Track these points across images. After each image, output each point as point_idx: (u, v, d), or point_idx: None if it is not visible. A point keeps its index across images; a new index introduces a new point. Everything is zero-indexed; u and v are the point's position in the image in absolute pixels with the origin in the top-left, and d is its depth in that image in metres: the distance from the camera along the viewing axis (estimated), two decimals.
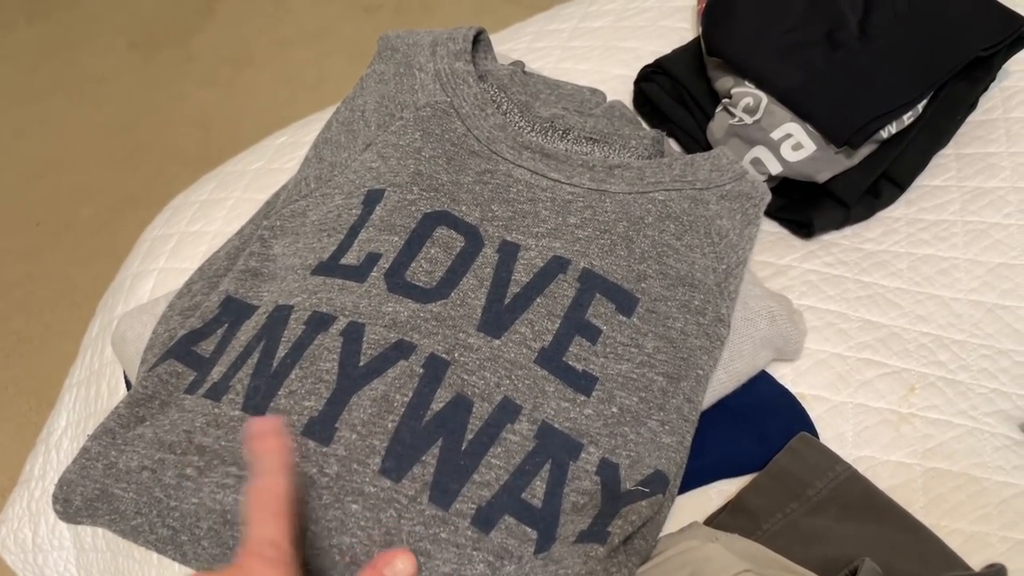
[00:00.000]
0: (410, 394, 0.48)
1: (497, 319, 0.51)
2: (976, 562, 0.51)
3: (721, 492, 0.56)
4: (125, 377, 0.65)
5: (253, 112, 1.82)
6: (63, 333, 1.49)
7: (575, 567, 0.43)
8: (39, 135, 1.83)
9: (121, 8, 2.07)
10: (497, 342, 0.50)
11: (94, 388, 0.72)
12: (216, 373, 0.51)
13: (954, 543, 0.52)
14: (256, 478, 0.42)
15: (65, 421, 0.76)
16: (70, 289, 1.56)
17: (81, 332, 0.94)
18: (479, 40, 0.66)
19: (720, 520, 0.53)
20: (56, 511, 0.49)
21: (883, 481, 0.55)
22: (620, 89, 0.78)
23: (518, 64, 0.69)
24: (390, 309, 0.50)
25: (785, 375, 0.60)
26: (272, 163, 0.78)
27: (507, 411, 0.48)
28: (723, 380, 0.56)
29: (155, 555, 0.60)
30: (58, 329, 1.50)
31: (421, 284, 0.52)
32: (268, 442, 0.43)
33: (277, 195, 0.65)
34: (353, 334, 0.49)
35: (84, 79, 1.93)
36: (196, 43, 1.98)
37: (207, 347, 0.53)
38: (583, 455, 0.49)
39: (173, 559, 0.48)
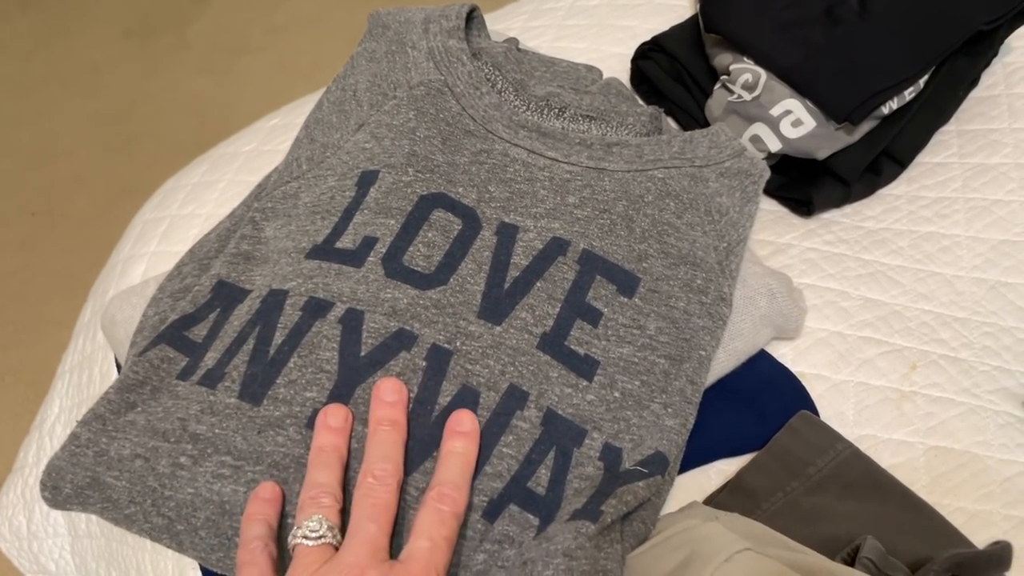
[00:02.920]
0: (416, 389, 0.47)
1: (497, 305, 0.50)
2: (980, 540, 0.50)
3: (720, 472, 0.55)
4: (116, 361, 0.65)
5: (249, 100, 1.81)
6: (59, 322, 1.48)
7: (565, 542, 0.42)
8: (34, 125, 1.82)
9: None
10: (498, 328, 0.50)
11: (86, 374, 0.71)
12: (210, 359, 0.50)
13: (957, 522, 0.51)
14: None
15: (58, 408, 0.76)
16: (66, 278, 1.55)
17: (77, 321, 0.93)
18: (472, 17, 0.65)
19: (719, 500, 0.53)
20: (44, 498, 0.48)
21: (885, 460, 0.54)
22: (617, 68, 0.77)
23: (512, 42, 0.68)
24: (389, 295, 0.49)
25: (785, 354, 0.59)
26: (265, 145, 0.77)
27: (515, 398, 0.48)
28: (723, 359, 0.56)
29: (149, 541, 0.60)
30: (54, 318, 1.49)
31: (419, 269, 0.51)
32: (328, 438, 0.45)
33: (268, 177, 0.64)
34: (352, 322, 0.48)
35: (79, 68, 1.92)
36: (191, 31, 1.97)
37: (199, 332, 0.52)
38: (587, 441, 0.48)
39: (169, 547, 0.47)
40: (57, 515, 0.74)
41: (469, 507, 0.45)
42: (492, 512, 0.45)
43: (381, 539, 0.42)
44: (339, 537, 0.42)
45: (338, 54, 1.85)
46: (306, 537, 0.41)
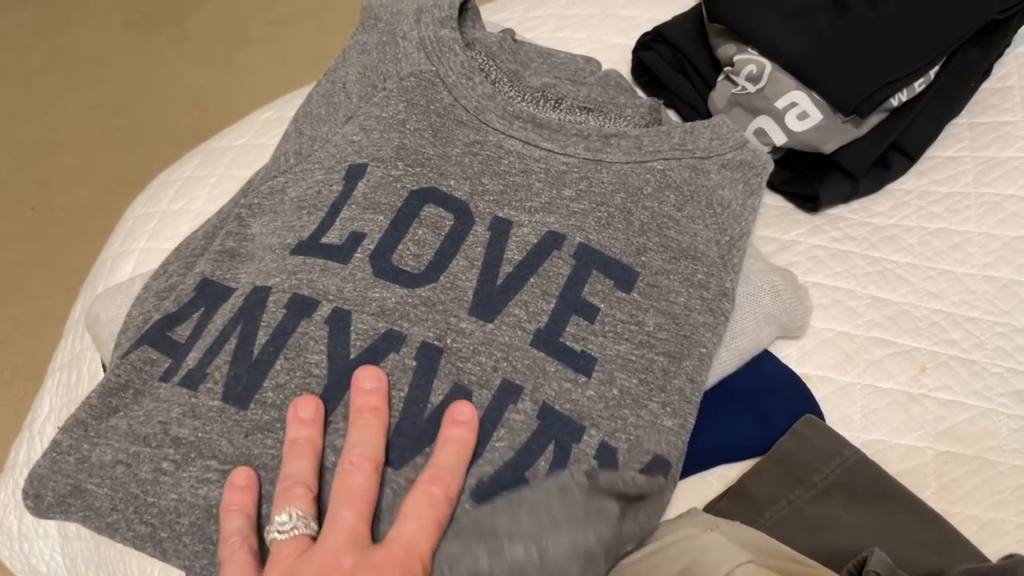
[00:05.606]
0: (406, 388, 0.45)
1: (489, 301, 0.49)
2: (992, 551, 0.49)
3: (721, 478, 0.53)
4: (103, 361, 0.63)
5: (250, 92, 1.79)
6: (59, 317, 1.46)
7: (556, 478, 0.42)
8: (33, 117, 1.81)
9: None
10: (490, 326, 0.48)
11: (75, 373, 0.70)
12: (191, 359, 0.48)
13: (969, 531, 0.49)
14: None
15: (48, 407, 0.74)
16: (66, 273, 1.54)
17: None
18: (466, 8, 0.63)
19: (720, 507, 0.51)
20: (27, 507, 0.46)
21: (893, 466, 0.52)
22: (618, 59, 0.75)
23: (508, 32, 0.66)
24: (376, 295, 0.48)
25: (790, 355, 0.57)
26: (257, 139, 0.75)
27: (508, 393, 0.46)
28: (725, 359, 0.54)
29: None
30: (54, 313, 1.48)
31: (409, 269, 0.49)
32: (300, 430, 0.44)
33: (257, 173, 0.62)
34: (339, 323, 0.47)
35: (79, 60, 1.91)
36: (192, 23, 1.95)
37: (183, 332, 0.51)
38: (584, 438, 0.47)
39: (153, 556, 0.45)
40: None
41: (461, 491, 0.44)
42: (480, 496, 0.44)
43: (359, 525, 0.40)
44: (314, 527, 0.41)
45: (340, 47, 1.83)
46: (278, 531, 0.40)
